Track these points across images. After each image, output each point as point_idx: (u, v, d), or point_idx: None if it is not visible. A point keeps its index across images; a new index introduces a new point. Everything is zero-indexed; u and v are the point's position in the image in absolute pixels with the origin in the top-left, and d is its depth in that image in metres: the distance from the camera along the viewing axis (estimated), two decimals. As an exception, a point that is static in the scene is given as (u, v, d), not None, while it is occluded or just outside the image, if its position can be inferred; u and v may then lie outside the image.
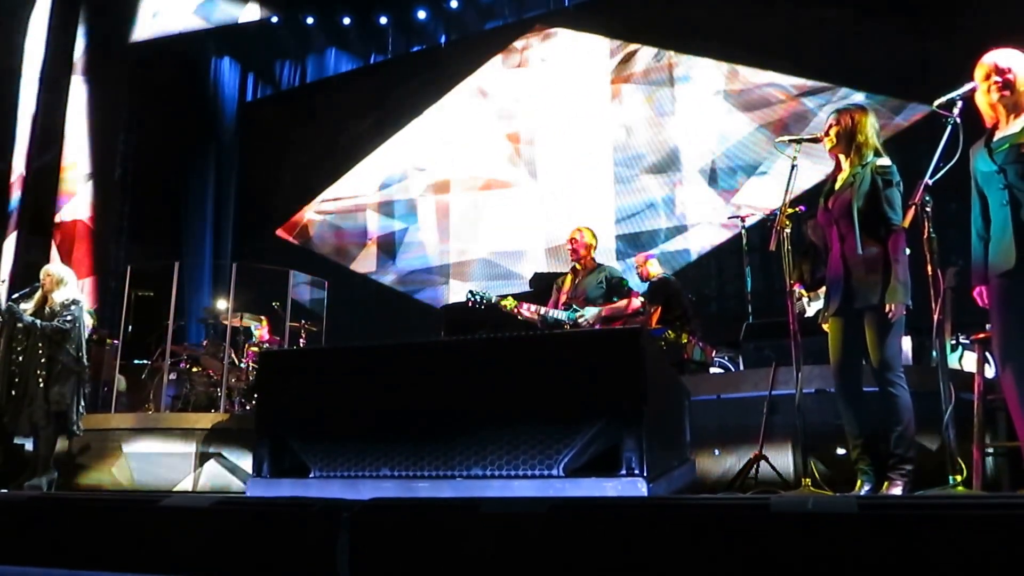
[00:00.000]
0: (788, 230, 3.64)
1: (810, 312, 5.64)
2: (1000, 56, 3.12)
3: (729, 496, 3.34)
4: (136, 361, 8.70)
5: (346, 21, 12.50)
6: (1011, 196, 3.00)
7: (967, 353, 5.72)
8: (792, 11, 9.45)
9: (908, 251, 3.45)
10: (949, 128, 3.15)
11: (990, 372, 3.77)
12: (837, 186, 3.61)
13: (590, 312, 5.29)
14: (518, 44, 11.50)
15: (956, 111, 3.17)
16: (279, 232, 12.86)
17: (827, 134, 3.63)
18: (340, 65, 13.03)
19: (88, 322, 6.01)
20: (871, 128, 3.56)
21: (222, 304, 8.99)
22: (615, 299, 5.41)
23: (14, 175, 11.46)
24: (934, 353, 4.02)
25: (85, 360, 5.54)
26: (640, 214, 10.03)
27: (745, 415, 4.48)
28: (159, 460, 6.18)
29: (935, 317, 3.28)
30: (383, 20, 12.35)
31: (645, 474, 2.52)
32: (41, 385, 5.26)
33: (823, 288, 4.01)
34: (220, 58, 13.64)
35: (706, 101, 9.89)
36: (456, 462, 2.75)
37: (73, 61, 12.22)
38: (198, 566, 2.32)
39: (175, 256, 9.46)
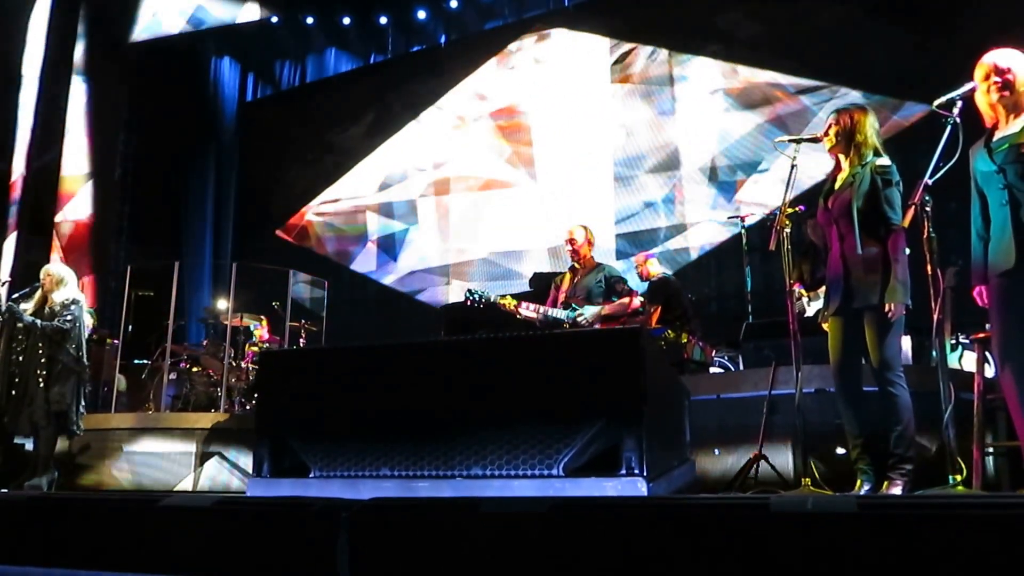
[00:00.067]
0: (788, 230, 3.64)
1: (810, 312, 5.64)
2: (1000, 56, 3.12)
3: (729, 496, 3.34)
4: (136, 361, 8.70)
5: (346, 21, 12.50)
6: (1011, 196, 3.00)
7: (967, 353, 5.72)
8: (792, 10, 9.46)
9: (908, 251, 3.45)
10: (949, 128, 3.15)
11: (990, 372, 3.77)
12: (837, 186, 3.61)
13: (589, 311, 5.29)
14: (518, 44, 11.50)
15: (956, 111, 3.17)
16: (279, 232, 12.87)
17: (827, 134, 3.63)
18: (340, 65, 13.03)
19: (88, 322, 6.01)
20: (871, 128, 3.56)
21: (222, 304, 9.00)
22: (614, 298, 5.41)
23: (14, 175, 11.46)
24: (934, 353, 4.02)
25: (85, 360, 5.54)
26: (640, 214, 10.03)
27: (745, 415, 4.48)
28: (159, 460, 6.19)
29: (935, 317, 3.28)
30: (383, 20, 12.35)
31: (645, 474, 2.53)
32: (41, 385, 5.27)
33: (823, 288, 4.02)
34: (220, 58, 13.65)
35: (706, 100, 9.89)
36: (456, 462, 2.76)
37: (73, 61, 12.21)
38: (198, 566, 2.32)
39: (175, 256, 9.46)
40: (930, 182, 3.16)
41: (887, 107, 8.56)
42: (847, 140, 3.57)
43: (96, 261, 11.75)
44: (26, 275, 8.38)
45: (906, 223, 3.27)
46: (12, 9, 11.60)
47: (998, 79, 3.09)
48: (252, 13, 12.49)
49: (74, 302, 5.48)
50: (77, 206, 12.06)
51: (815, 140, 3.69)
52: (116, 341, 8.12)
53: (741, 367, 6.01)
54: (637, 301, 5.58)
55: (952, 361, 5.62)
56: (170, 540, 2.42)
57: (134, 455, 6.23)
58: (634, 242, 9.89)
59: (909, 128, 8.42)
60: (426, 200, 11.76)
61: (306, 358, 3.69)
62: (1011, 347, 3.02)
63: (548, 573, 1.98)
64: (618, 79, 10.59)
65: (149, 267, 9.19)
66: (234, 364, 7.62)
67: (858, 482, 3.44)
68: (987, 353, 3.86)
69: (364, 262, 12.10)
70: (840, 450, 4.02)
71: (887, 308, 3.35)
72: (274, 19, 12.66)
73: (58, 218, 11.96)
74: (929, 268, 3.17)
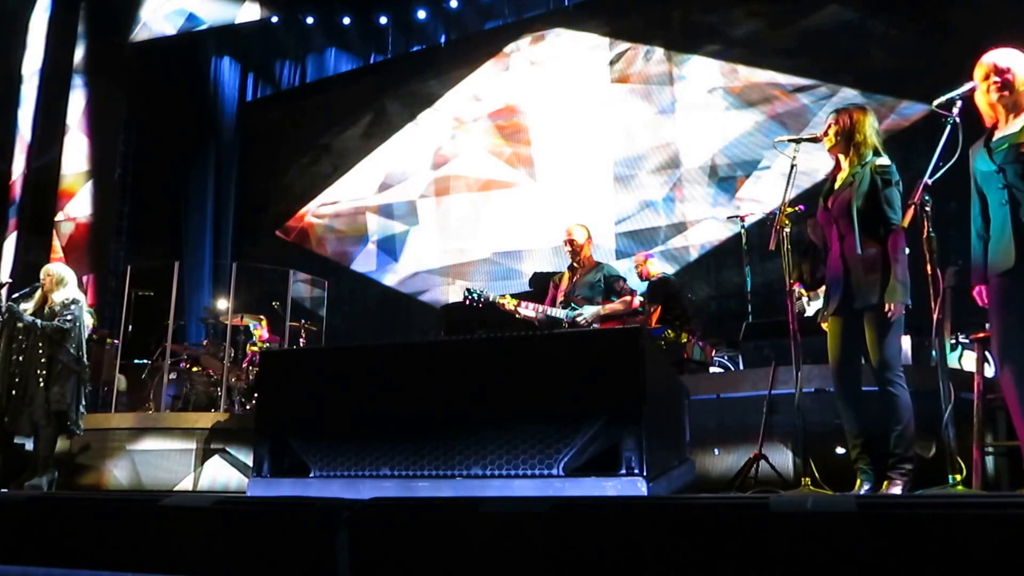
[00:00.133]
0: (788, 229, 3.64)
1: (810, 311, 5.64)
2: (999, 56, 3.12)
3: (729, 495, 3.34)
4: (136, 361, 8.70)
5: (346, 21, 12.49)
6: (1010, 196, 3.00)
7: (967, 352, 5.72)
8: (791, 9, 9.46)
9: (907, 250, 3.45)
10: (948, 128, 3.15)
11: (990, 371, 3.77)
12: (836, 185, 3.61)
13: (588, 311, 5.29)
14: (517, 44, 11.49)
15: (955, 111, 3.17)
16: (279, 232, 12.87)
17: (826, 134, 3.63)
18: (340, 65, 13.02)
19: (88, 321, 6.01)
20: (870, 127, 3.56)
21: (222, 304, 9.00)
22: (613, 298, 5.41)
23: (14, 175, 11.47)
24: (934, 352, 4.02)
25: (85, 359, 5.54)
26: (640, 213, 10.03)
27: (745, 414, 4.48)
28: (159, 460, 6.19)
29: (935, 316, 3.28)
30: (383, 20, 12.34)
31: (645, 473, 2.53)
32: (41, 385, 5.27)
33: (823, 287, 4.02)
34: (220, 58, 13.64)
35: (705, 99, 9.89)
36: (456, 461, 2.76)
37: (73, 61, 12.21)
38: (198, 566, 2.33)
39: (175, 256, 9.47)
40: (930, 182, 3.16)
41: (886, 106, 8.56)
42: (847, 140, 3.57)
43: (96, 261, 11.75)
44: (26, 275, 8.38)
45: (906, 223, 3.27)
46: (12, 9, 11.61)
47: (998, 79, 3.09)
48: (252, 13, 12.48)
49: (74, 302, 5.48)
50: (77, 206, 12.06)
51: (815, 140, 3.69)
52: (116, 341, 8.13)
53: (741, 367, 6.02)
54: (636, 300, 5.58)
55: (952, 361, 5.62)
56: (170, 540, 2.42)
57: (134, 455, 6.23)
58: (634, 241, 9.89)
59: (908, 128, 8.42)
60: (426, 200, 11.76)
61: (306, 358, 3.69)
62: (1011, 347, 3.02)
63: (548, 573, 1.98)
64: (618, 79, 10.59)
65: (149, 267, 9.19)
66: (235, 363, 7.62)
67: (858, 482, 3.45)
68: (987, 353, 3.86)
69: (364, 262, 12.10)
70: (840, 450, 4.03)
71: (887, 308, 3.35)
72: (274, 19, 12.65)
73: (58, 218, 11.96)
74: (929, 268, 3.17)
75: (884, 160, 3.51)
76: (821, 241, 3.73)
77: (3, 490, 4.80)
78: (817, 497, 2.75)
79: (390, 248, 11.92)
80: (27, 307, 5.48)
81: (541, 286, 6.38)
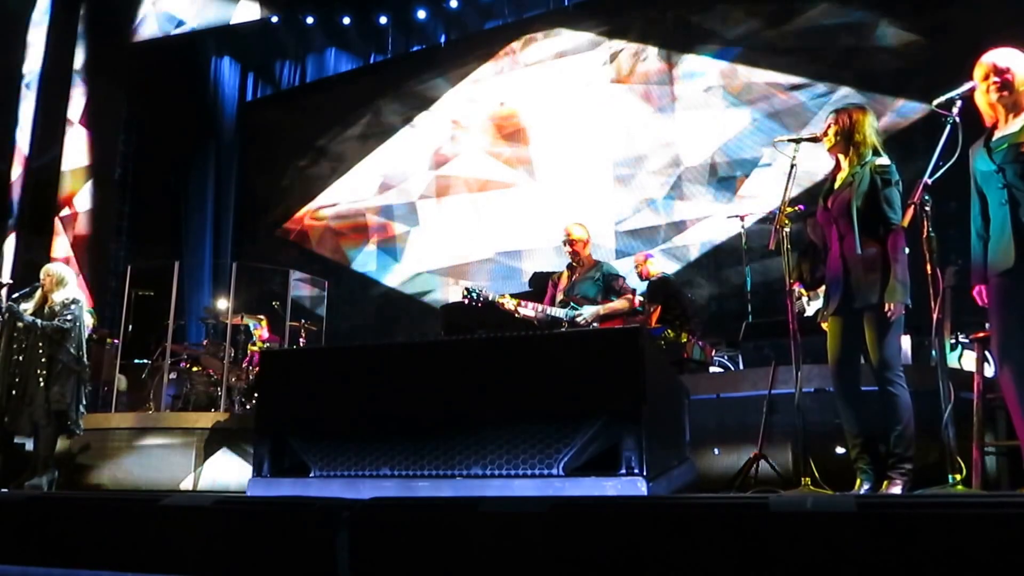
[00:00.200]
0: (788, 229, 3.64)
1: (809, 311, 5.65)
2: (999, 56, 3.12)
3: (728, 495, 3.34)
4: (136, 360, 8.70)
5: (346, 21, 12.49)
6: (1010, 195, 3.00)
7: (966, 352, 5.72)
8: (791, 8, 9.46)
9: (907, 250, 3.45)
10: (948, 127, 3.15)
11: (989, 371, 3.77)
12: (836, 185, 3.61)
13: (588, 311, 5.29)
14: (517, 44, 11.49)
15: (955, 110, 3.17)
16: (279, 232, 12.87)
17: (826, 133, 3.63)
18: (340, 65, 13.03)
19: (88, 321, 6.01)
20: (870, 127, 3.56)
21: (222, 303, 9.00)
22: (612, 297, 5.40)
23: (14, 175, 11.47)
24: (933, 352, 4.02)
25: (85, 359, 5.54)
26: (640, 212, 10.03)
27: (744, 414, 4.48)
28: (159, 459, 6.19)
29: (934, 316, 3.28)
30: (383, 20, 12.34)
31: (645, 473, 2.53)
32: (41, 384, 5.27)
33: (823, 287, 4.02)
34: (220, 58, 13.64)
35: (705, 98, 9.89)
36: (456, 461, 2.76)
37: (73, 61, 12.21)
38: (198, 566, 2.33)
39: (175, 256, 9.46)
40: (929, 181, 3.15)
41: (886, 106, 8.56)
42: (846, 140, 3.57)
43: (96, 261, 11.75)
44: (26, 275, 8.38)
45: (905, 222, 3.26)
46: (13, 9, 11.60)
47: (997, 79, 3.09)
48: (252, 13, 12.48)
49: (74, 302, 5.48)
50: (77, 206, 12.06)
51: (814, 140, 3.69)
52: (116, 341, 8.13)
53: (741, 366, 6.02)
54: (636, 300, 5.58)
55: (952, 360, 5.62)
56: (170, 540, 2.42)
57: (134, 455, 6.23)
58: (634, 241, 9.89)
59: (908, 127, 8.42)
60: (427, 200, 11.76)
61: (306, 358, 3.69)
62: (1010, 346, 3.02)
63: (548, 572, 1.98)
64: (617, 78, 10.59)
65: (149, 267, 9.18)
66: (238, 365, 7.62)
67: (857, 481, 3.45)
68: (987, 352, 3.86)
69: (364, 263, 12.10)
70: (840, 449, 4.03)
71: (887, 308, 3.35)
72: (274, 19, 12.65)
73: (64, 213, 11.96)
74: (929, 267, 3.17)
75: (884, 160, 3.51)
76: (821, 241, 3.73)
77: (3, 490, 4.80)
78: (817, 497, 2.75)
79: (390, 248, 11.93)
80: (27, 307, 5.48)
81: (541, 285, 6.37)
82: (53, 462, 5.35)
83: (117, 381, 7.87)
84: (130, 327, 7.80)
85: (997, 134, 3.12)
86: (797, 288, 5.57)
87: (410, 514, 2.24)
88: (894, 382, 3.37)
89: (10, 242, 11.21)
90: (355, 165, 12.44)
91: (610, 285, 5.45)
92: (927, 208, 3.16)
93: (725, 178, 9.53)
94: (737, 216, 7.33)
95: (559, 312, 5.33)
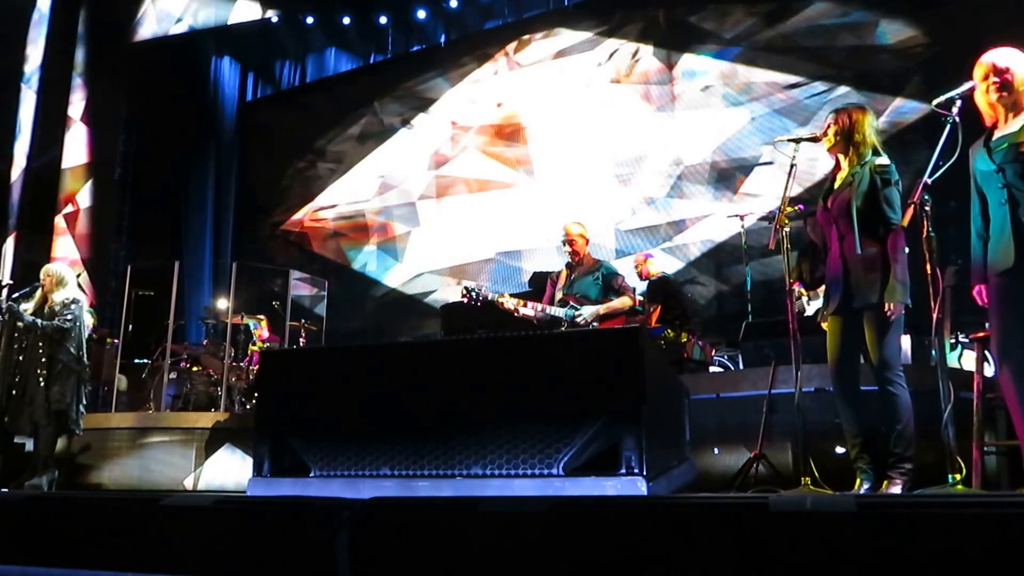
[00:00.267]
0: (788, 228, 3.64)
1: (809, 311, 5.65)
2: (998, 56, 3.12)
3: (728, 495, 3.34)
4: (136, 360, 8.71)
5: (346, 21, 12.49)
6: (1009, 195, 3.00)
7: (966, 352, 5.72)
8: (790, 7, 9.46)
9: (907, 250, 3.46)
10: (948, 127, 3.15)
11: (989, 371, 3.77)
12: (836, 185, 3.61)
13: (588, 311, 5.29)
14: (517, 44, 11.49)
15: (955, 110, 3.17)
16: (279, 232, 12.87)
17: (826, 133, 3.63)
18: (340, 65, 13.03)
19: (88, 321, 6.02)
20: (869, 127, 3.56)
21: (222, 303, 9.00)
22: (612, 296, 5.40)
23: (14, 175, 11.46)
24: (933, 352, 4.02)
25: (86, 359, 5.54)
26: (640, 212, 10.03)
27: (744, 414, 4.49)
28: (159, 459, 6.19)
29: (934, 316, 3.28)
30: (383, 20, 12.35)
31: (645, 473, 2.53)
32: (41, 384, 5.27)
33: (822, 287, 4.02)
34: (220, 58, 13.64)
35: (705, 97, 9.89)
36: (456, 461, 2.76)
37: (74, 61, 12.21)
38: (198, 566, 2.33)
39: (175, 256, 9.46)
40: (929, 181, 3.15)
41: (886, 106, 8.56)
42: (846, 140, 3.57)
43: (96, 261, 11.75)
44: (26, 275, 8.38)
45: (905, 222, 3.26)
46: (13, 9, 11.60)
47: (997, 79, 3.09)
48: (252, 12, 12.48)
49: (74, 301, 5.48)
50: (77, 206, 12.06)
51: (814, 139, 3.70)
52: (116, 340, 8.13)
53: (741, 366, 6.02)
54: (635, 299, 5.58)
55: (952, 360, 5.62)
56: (170, 540, 2.43)
57: (134, 455, 6.23)
58: (634, 240, 9.89)
59: (908, 127, 8.42)
60: (427, 200, 11.76)
61: (306, 358, 3.70)
62: (1010, 346, 3.02)
63: (548, 572, 1.98)
64: (617, 78, 10.59)
65: (149, 267, 9.19)
66: (235, 364, 7.62)
67: (857, 481, 3.45)
68: (986, 352, 3.86)
69: (365, 263, 12.10)
70: (840, 449, 4.03)
71: (887, 307, 3.35)
72: (274, 19, 12.66)
73: (58, 218, 11.96)
74: (929, 267, 3.17)
75: (883, 160, 3.51)
76: (821, 241, 3.73)
77: (3, 490, 4.80)
78: (816, 497, 2.75)
79: (390, 249, 11.93)
80: (27, 307, 5.49)
81: (540, 285, 6.38)
82: (53, 462, 5.36)
83: (117, 381, 7.87)
84: (130, 327, 7.81)
85: (997, 134, 3.12)
86: (797, 288, 5.57)
87: (410, 514, 2.24)
88: (894, 382, 3.37)
89: (10, 242, 11.21)
90: (355, 165, 12.44)
91: (610, 284, 5.45)
92: (927, 208, 3.16)
93: (725, 176, 9.52)
94: (737, 216, 7.33)
95: (559, 312, 5.33)
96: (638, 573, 1.89)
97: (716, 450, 4.59)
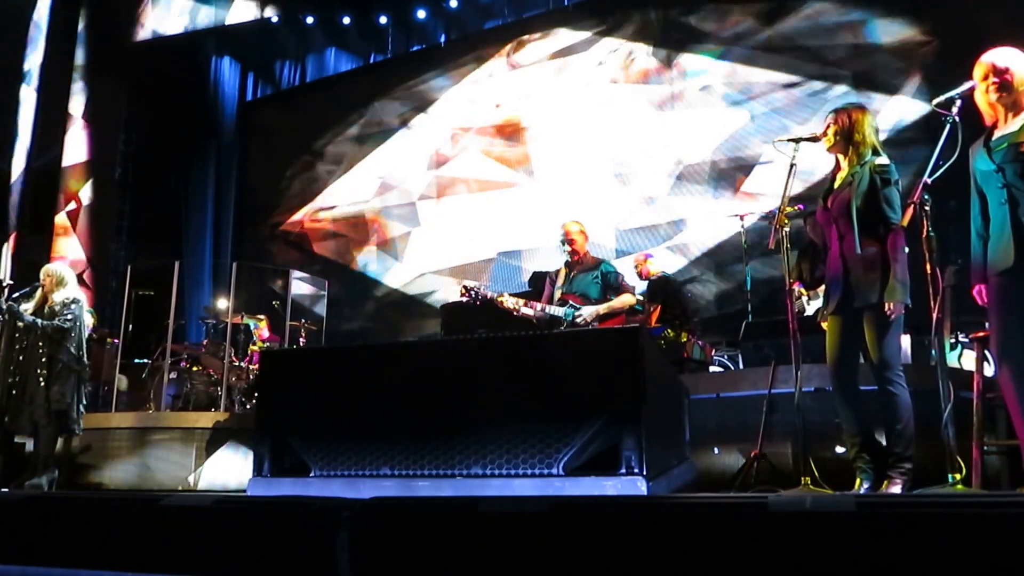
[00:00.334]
0: (788, 228, 3.64)
1: (809, 311, 5.65)
2: (998, 56, 3.12)
3: (728, 495, 3.34)
4: (137, 360, 8.71)
5: (346, 21, 12.50)
6: (1009, 195, 3.00)
7: (966, 351, 5.72)
8: (790, 7, 9.46)
9: (907, 250, 3.46)
10: (948, 127, 3.15)
11: (989, 370, 3.77)
12: (836, 185, 3.61)
13: (587, 310, 5.28)
14: (517, 43, 11.49)
15: (955, 110, 3.17)
16: (279, 232, 12.87)
17: (825, 133, 3.63)
18: (340, 65, 13.04)
19: (89, 321, 6.02)
20: (869, 127, 3.56)
21: (222, 303, 9.00)
22: (611, 295, 5.40)
23: (14, 175, 11.46)
24: (933, 352, 4.02)
25: (86, 359, 5.55)
26: (640, 212, 10.03)
27: (744, 413, 4.49)
28: (159, 459, 6.19)
29: (934, 315, 3.28)
30: (383, 20, 12.35)
31: (645, 473, 2.53)
32: (42, 384, 5.27)
33: (822, 287, 4.02)
34: (220, 58, 13.64)
35: (705, 97, 9.89)
36: (456, 461, 2.76)
37: (74, 61, 12.21)
38: (198, 566, 2.33)
39: (175, 255, 9.46)
40: (929, 181, 3.16)
41: (885, 105, 8.55)
42: (846, 139, 3.57)
43: (96, 261, 11.75)
44: (26, 275, 8.38)
45: (905, 222, 3.27)
46: (13, 9, 11.60)
47: (996, 79, 3.09)
48: (252, 12, 12.48)
49: (74, 301, 5.48)
50: (80, 203, 12.06)
51: (814, 139, 3.69)
52: (116, 340, 8.13)
53: (741, 366, 6.02)
54: (634, 299, 5.58)
55: (951, 360, 5.62)
56: (170, 540, 2.43)
57: (134, 454, 6.23)
58: (634, 240, 9.89)
59: (908, 127, 8.42)
60: (427, 200, 11.76)
61: (307, 358, 3.69)
62: (1010, 346, 3.02)
63: (548, 572, 1.98)
64: (617, 77, 10.59)
65: (149, 267, 9.18)
66: (236, 363, 7.62)
67: (857, 481, 3.45)
68: (986, 352, 3.86)
69: (365, 263, 12.10)
70: (839, 449, 4.03)
71: (886, 307, 3.35)
72: (274, 19, 12.66)
73: (60, 217, 11.96)
74: (928, 267, 3.17)
75: (883, 159, 3.51)
76: (821, 240, 3.73)
77: (3, 490, 4.80)
78: (816, 496, 2.75)
79: (391, 249, 11.92)
80: (27, 307, 5.49)
81: (540, 284, 6.38)
82: (53, 462, 5.36)
83: (117, 381, 7.87)
84: (130, 327, 7.81)
85: (997, 134, 3.12)
86: (797, 287, 5.57)
87: (410, 514, 2.25)
88: (894, 381, 3.37)
89: (10, 242, 11.20)
90: (355, 165, 12.44)
91: (609, 283, 5.44)
92: (927, 207, 3.16)
93: (725, 176, 9.52)
94: (737, 215, 7.33)
95: (558, 311, 5.32)
96: (638, 573, 1.90)
97: (716, 450, 4.59)
